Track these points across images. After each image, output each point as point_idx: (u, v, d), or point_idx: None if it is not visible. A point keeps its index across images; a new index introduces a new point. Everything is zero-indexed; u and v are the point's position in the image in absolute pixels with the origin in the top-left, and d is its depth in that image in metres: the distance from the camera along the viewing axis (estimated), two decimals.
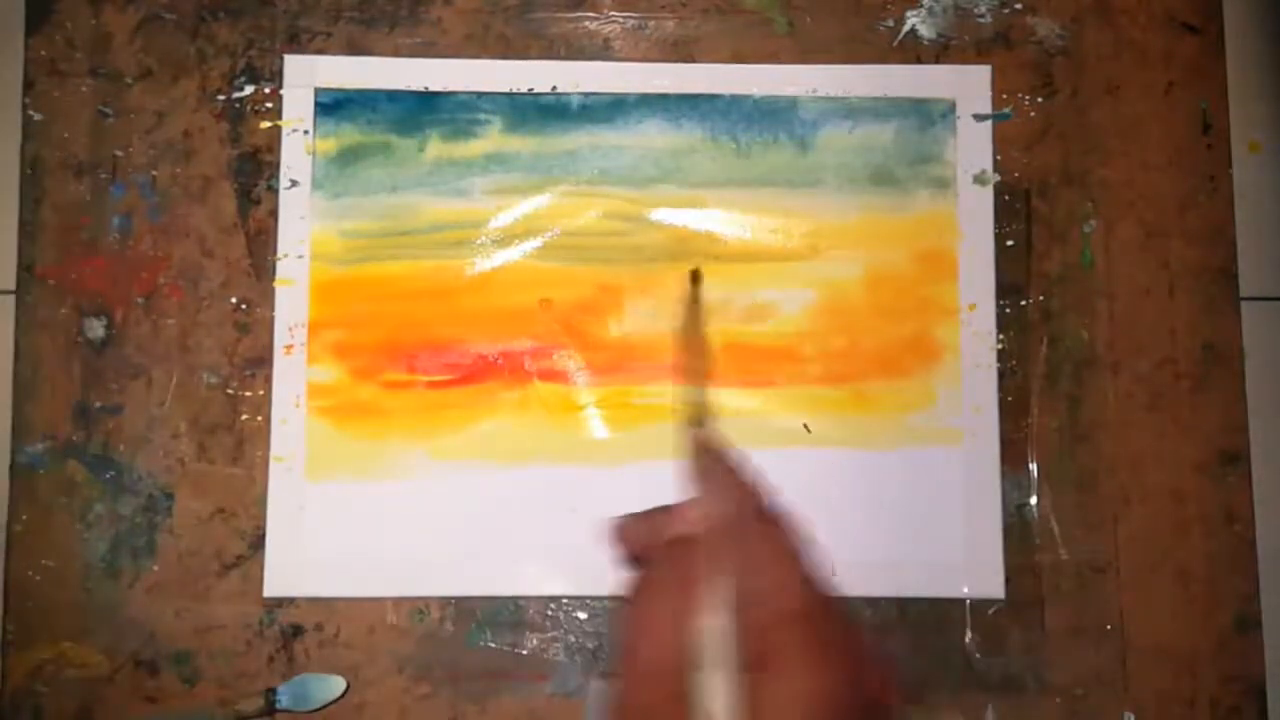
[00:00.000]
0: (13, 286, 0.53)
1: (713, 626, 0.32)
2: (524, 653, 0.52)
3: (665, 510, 0.37)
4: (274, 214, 0.53)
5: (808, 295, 0.54)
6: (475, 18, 0.55)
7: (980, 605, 0.52)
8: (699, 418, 0.43)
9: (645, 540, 0.36)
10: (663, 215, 0.54)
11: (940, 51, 0.55)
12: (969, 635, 0.52)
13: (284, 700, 0.50)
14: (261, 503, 0.52)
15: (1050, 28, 0.55)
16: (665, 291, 0.53)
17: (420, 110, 0.54)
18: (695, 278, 0.50)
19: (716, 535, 0.34)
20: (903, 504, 0.52)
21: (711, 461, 0.38)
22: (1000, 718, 0.51)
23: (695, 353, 0.46)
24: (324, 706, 0.51)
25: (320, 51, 0.54)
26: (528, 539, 0.52)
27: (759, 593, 0.32)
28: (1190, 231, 0.55)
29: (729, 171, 0.54)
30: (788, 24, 0.55)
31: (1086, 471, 0.53)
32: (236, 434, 0.52)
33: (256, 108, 0.54)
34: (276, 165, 0.54)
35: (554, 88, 0.54)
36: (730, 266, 0.54)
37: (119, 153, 0.54)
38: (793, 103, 0.55)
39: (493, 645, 0.52)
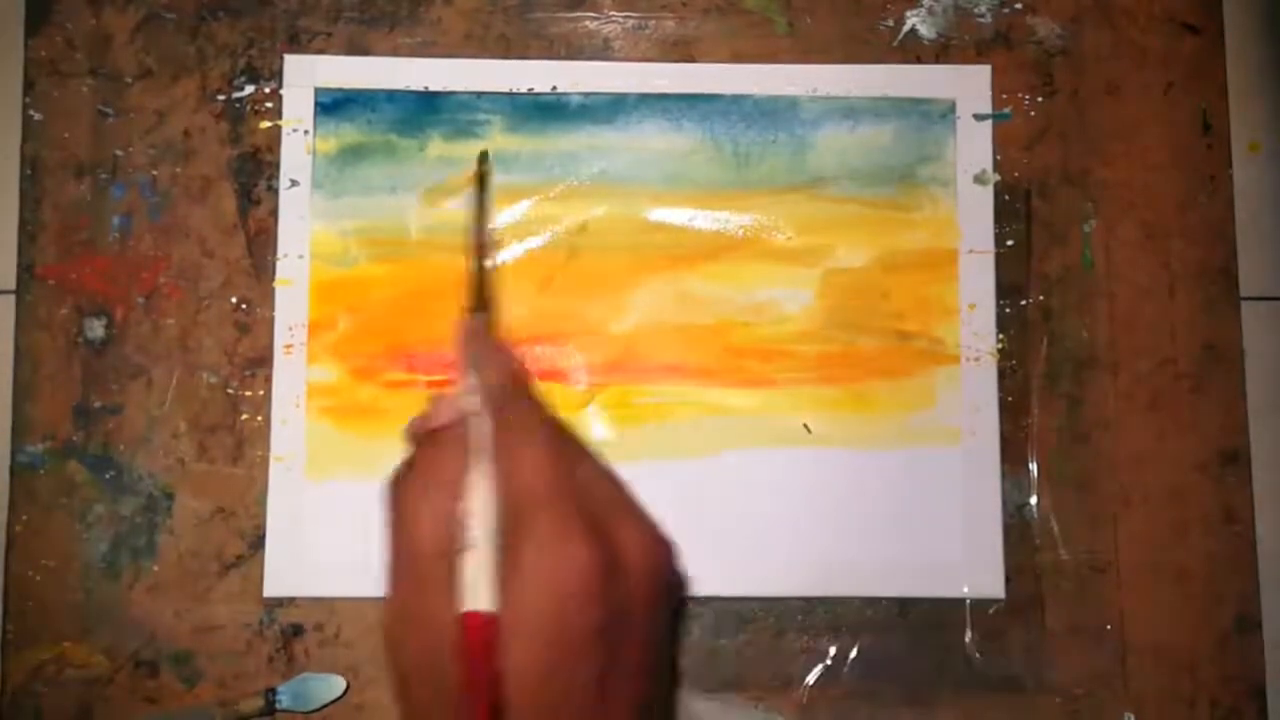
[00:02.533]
0: (13, 286, 0.53)
1: (472, 511, 0.33)
2: None
3: (437, 398, 0.39)
4: (274, 214, 0.53)
5: (808, 295, 0.54)
6: (475, 17, 0.55)
7: (980, 605, 0.52)
8: (481, 302, 0.44)
9: (418, 429, 0.38)
10: (662, 215, 0.54)
11: (940, 51, 0.55)
12: (969, 635, 0.52)
13: (284, 700, 0.50)
14: (261, 503, 0.52)
15: (1050, 28, 0.55)
16: (665, 291, 0.53)
17: (421, 110, 0.54)
18: (482, 158, 0.52)
19: (479, 418, 0.36)
20: (903, 504, 0.52)
21: (481, 346, 0.40)
22: (1000, 718, 0.51)
23: (481, 235, 0.47)
24: (324, 706, 0.51)
25: (320, 51, 0.54)
26: None
27: (513, 473, 0.34)
28: (1190, 231, 0.55)
29: (729, 171, 0.54)
30: (788, 24, 0.55)
31: (1086, 471, 0.53)
32: (236, 434, 0.52)
33: (256, 108, 0.54)
34: (276, 165, 0.53)
35: (554, 88, 0.54)
36: (730, 266, 0.54)
37: (119, 153, 0.54)
38: (793, 103, 0.55)
39: None
